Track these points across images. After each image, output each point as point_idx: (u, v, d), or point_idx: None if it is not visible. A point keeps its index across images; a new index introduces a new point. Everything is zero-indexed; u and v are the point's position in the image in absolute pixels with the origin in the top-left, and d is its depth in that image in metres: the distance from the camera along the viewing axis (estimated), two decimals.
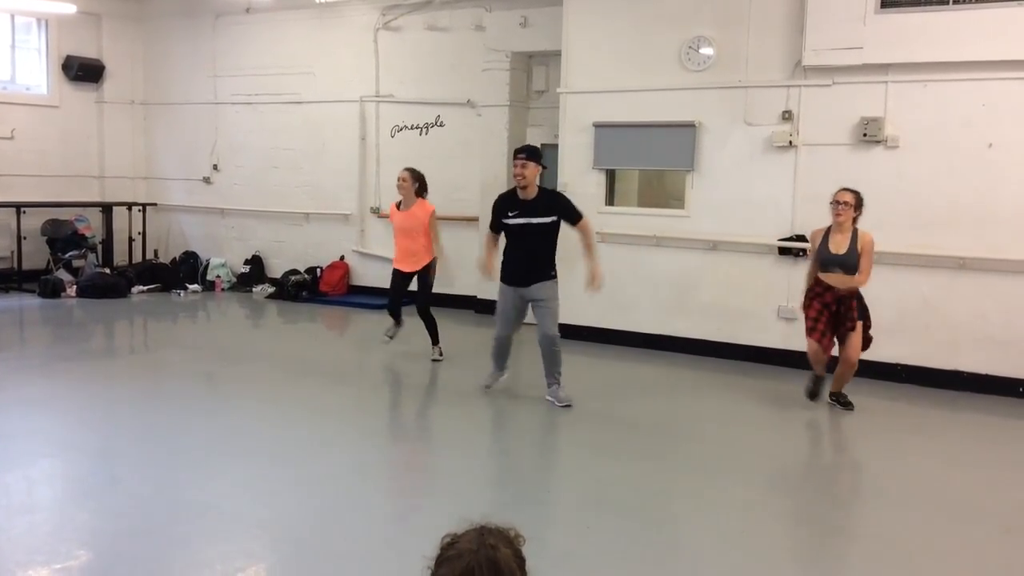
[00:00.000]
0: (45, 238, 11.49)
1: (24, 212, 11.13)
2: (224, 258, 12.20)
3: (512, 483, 5.16)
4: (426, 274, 7.79)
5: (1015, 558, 4.21)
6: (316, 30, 11.36)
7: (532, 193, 6.37)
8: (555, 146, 9.10)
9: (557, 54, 9.14)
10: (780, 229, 7.97)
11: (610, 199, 8.92)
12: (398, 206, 7.84)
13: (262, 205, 11.99)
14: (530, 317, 6.64)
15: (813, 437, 6.37)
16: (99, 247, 11.98)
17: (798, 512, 4.77)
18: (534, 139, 9.61)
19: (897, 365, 7.48)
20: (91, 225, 11.93)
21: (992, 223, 7.09)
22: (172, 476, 4.84)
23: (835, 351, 6.54)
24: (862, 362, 6.60)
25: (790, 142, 7.81)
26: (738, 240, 8.15)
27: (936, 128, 7.27)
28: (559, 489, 5.10)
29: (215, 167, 12.38)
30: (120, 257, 12.26)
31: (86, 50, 12.22)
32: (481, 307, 9.95)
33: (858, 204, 6.35)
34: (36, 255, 11.49)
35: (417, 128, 10.85)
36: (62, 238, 11.48)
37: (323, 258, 11.57)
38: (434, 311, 7.89)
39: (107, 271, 11.57)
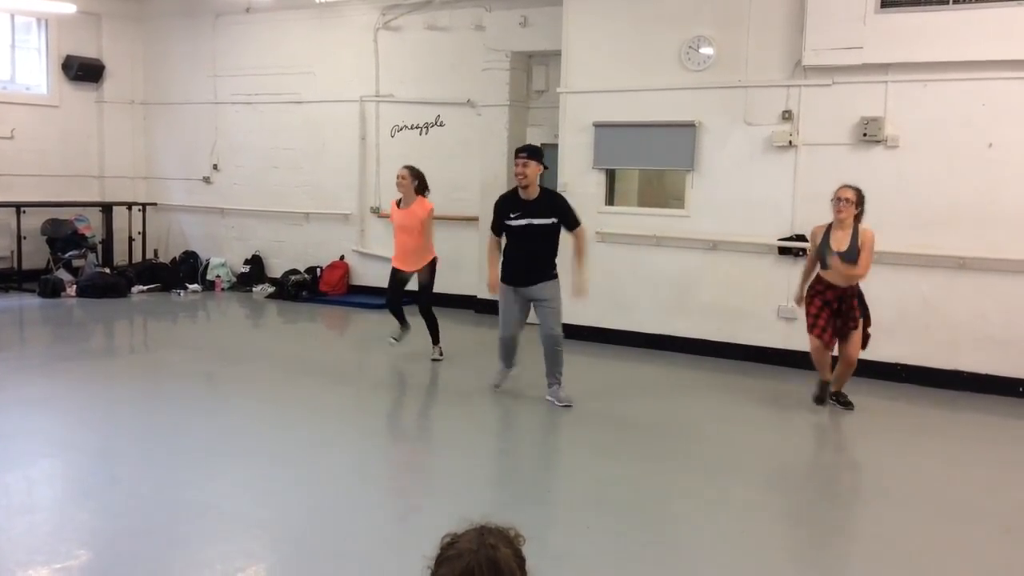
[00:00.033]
0: (45, 238, 11.49)
1: (24, 212, 11.13)
2: (224, 258, 12.20)
3: (512, 483, 5.16)
4: (427, 274, 7.80)
5: (1015, 558, 4.21)
6: (316, 30, 11.36)
7: (534, 193, 6.36)
8: (555, 146, 9.10)
9: (557, 54, 9.14)
10: (780, 229, 7.97)
11: (610, 199, 8.92)
12: (398, 204, 7.84)
13: (262, 205, 11.99)
14: (531, 317, 6.64)
15: (813, 437, 6.37)
16: (99, 247, 11.98)
17: (798, 512, 4.77)
18: (534, 139, 9.60)
19: (897, 365, 7.48)
20: (91, 225, 11.93)
21: (992, 223, 7.09)
22: (172, 476, 4.84)
23: (835, 351, 6.55)
24: (862, 362, 6.61)
25: (790, 142, 7.81)
26: (738, 240, 8.15)
27: (936, 128, 7.27)
28: (559, 489, 5.10)
29: (215, 167, 12.38)
30: (120, 257, 12.26)
31: (86, 50, 12.22)
32: (481, 307, 9.96)
33: (859, 201, 6.34)
34: (36, 255, 11.49)
35: (417, 128, 10.85)
36: (62, 238, 11.49)
37: (323, 258, 11.57)
38: (434, 311, 7.88)
39: (107, 271, 11.57)
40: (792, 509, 4.81)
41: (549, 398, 6.52)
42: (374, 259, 11.13)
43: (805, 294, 6.61)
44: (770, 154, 7.95)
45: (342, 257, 11.50)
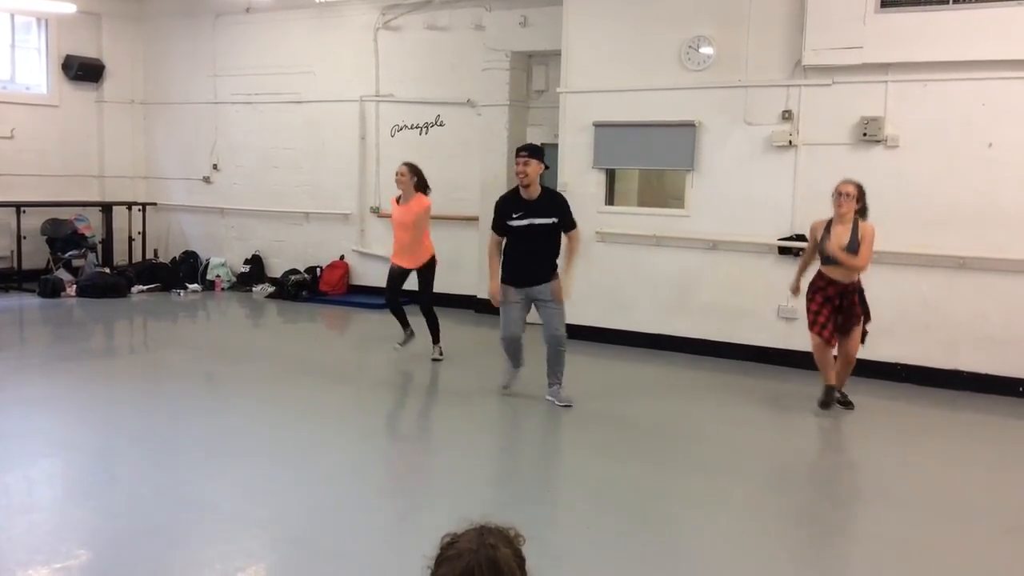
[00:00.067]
0: (45, 238, 11.50)
1: (24, 212, 11.13)
2: (224, 258, 12.20)
3: (512, 483, 5.16)
4: (426, 272, 7.79)
5: (1015, 558, 4.21)
6: (316, 30, 11.36)
7: (535, 192, 6.33)
8: (555, 146, 9.10)
9: (557, 54, 9.14)
10: (780, 229, 7.97)
11: (610, 199, 8.92)
12: (398, 200, 7.85)
13: (262, 205, 11.99)
14: (531, 317, 6.62)
15: (813, 437, 6.36)
16: (99, 247, 11.98)
17: (798, 512, 4.77)
18: (534, 139, 9.60)
19: (897, 365, 7.48)
20: (91, 225, 11.93)
21: (992, 223, 7.09)
22: (172, 476, 4.84)
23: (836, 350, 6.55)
24: (862, 361, 6.61)
25: (790, 142, 7.81)
26: (738, 240, 8.15)
27: (936, 128, 7.27)
28: (559, 489, 5.10)
29: (215, 167, 12.39)
30: (120, 257, 12.26)
31: (86, 50, 12.22)
32: (481, 307, 9.96)
33: (860, 196, 6.32)
34: (36, 255, 11.49)
35: (417, 128, 10.85)
36: (62, 238, 11.49)
37: (323, 258, 11.57)
38: (435, 311, 7.87)
39: (107, 271, 11.58)
40: (792, 509, 4.81)
41: (549, 398, 6.51)
42: (374, 259, 11.13)
43: (806, 291, 6.59)
44: (770, 154, 7.95)
45: (342, 257, 11.50)
